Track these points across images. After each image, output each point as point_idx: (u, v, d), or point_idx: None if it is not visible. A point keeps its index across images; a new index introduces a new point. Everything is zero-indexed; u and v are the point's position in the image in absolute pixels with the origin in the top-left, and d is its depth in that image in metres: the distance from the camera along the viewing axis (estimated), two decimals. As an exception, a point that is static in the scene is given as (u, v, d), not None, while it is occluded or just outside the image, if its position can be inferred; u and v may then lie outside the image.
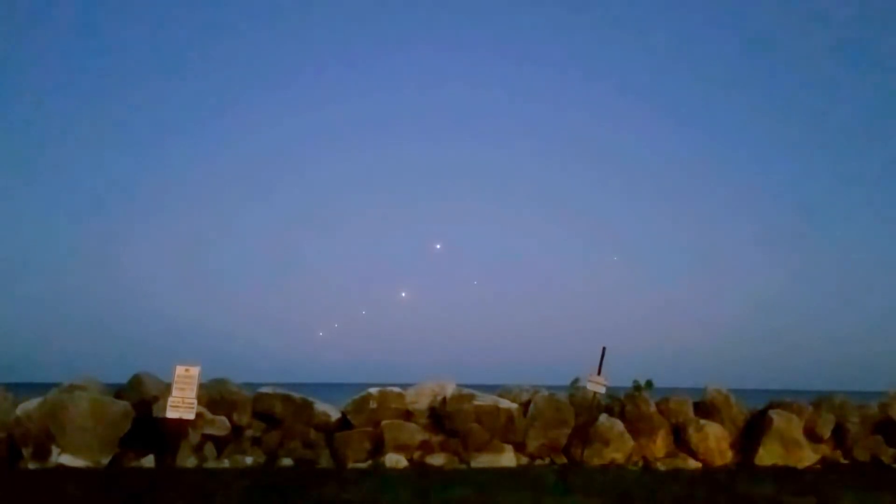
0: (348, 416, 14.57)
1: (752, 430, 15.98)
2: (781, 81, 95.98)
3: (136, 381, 14.28)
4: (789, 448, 15.53)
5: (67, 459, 12.64)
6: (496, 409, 14.77)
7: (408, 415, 14.78)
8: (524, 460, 14.74)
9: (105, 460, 12.89)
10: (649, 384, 15.96)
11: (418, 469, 13.52)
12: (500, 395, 15.65)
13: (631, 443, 15.16)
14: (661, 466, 14.81)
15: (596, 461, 14.68)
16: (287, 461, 13.63)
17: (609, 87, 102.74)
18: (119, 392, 14.10)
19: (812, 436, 16.20)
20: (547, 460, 14.86)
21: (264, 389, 14.72)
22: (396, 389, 15.01)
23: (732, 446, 15.77)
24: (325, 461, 13.85)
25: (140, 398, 13.77)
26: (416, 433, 14.37)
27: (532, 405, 15.28)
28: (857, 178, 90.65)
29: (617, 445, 14.99)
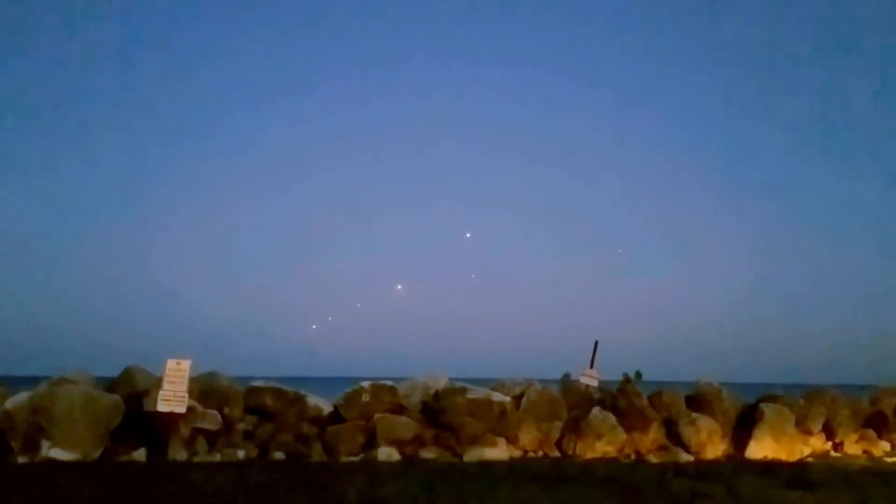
0: (340, 410, 14.53)
1: (744, 424, 16.05)
2: (765, 77, 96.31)
3: (126, 375, 14.18)
4: (781, 441, 15.62)
5: (58, 453, 12.54)
6: (489, 403, 14.76)
7: (400, 408, 14.75)
8: (517, 453, 14.75)
9: (95, 454, 12.79)
10: (639, 375, 16.00)
11: (411, 463, 13.48)
12: (493, 389, 15.64)
13: (623, 436, 15.19)
14: (653, 459, 14.85)
15: (588, 454, 14.71)
16: (279, 455, 13.58)
17: (599, 88, 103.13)
18: (109, 385, 14.00)
19: (803, 429, 16.29)
20: (540, 453, 14.88)
21: (256, 383, 14.67)
22: (389, 383, 14.98)
23: (724, 439, 15.84)
24: (317, 455, 13.80)
25: (131, 391, 13.67)
26: (408, 427, 14.35)
27: (525, 398, 15.28)
28: (847, 171, 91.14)
29: (609, 439, 15.02)
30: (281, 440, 13.92)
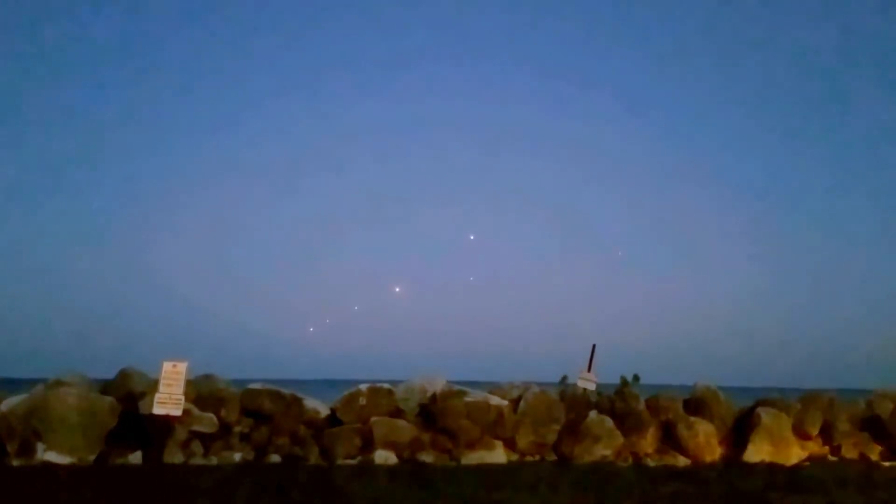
0: (338, 413, 14.48)
1: (741, 427, 16.02)
2: (766, 79, 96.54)
3: (122, 377, 14.13)
4: (778, 445, 15.58)
5: (53, 456, 12.49)
6: (486, 406, 14.73)
7: (398, 411, 14.71)
8: (514, 457, 14.71)
9: (91, 457, 12.74)
10: (636, 378, 15.99)
11: (408, 466, 13.44)
12: (491, 392, 15.61)
13: (621, 439, 15.16)
14: (650, 463, 14.82)
15: (586, 458, 14.67)
16: (276, 458, 13.53)
17: (600, 88, 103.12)
18: (105, 387, 13.94)
19: (800, 433, 16.27)
20: (537, 457, 14.84)
21: (253, 385, 14.61)
22: (386, 386, 14.94)
23: (721, 443, 15.82)
24: (314, 458, 13.74)
25: (126, 394, 13.61)
26: (406, 430, 14.30)
27: (522, 402, 15.25)
28: (846, 175, 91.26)
29: (607, 442, 14.98)
30: (277, 443, 13.87)
